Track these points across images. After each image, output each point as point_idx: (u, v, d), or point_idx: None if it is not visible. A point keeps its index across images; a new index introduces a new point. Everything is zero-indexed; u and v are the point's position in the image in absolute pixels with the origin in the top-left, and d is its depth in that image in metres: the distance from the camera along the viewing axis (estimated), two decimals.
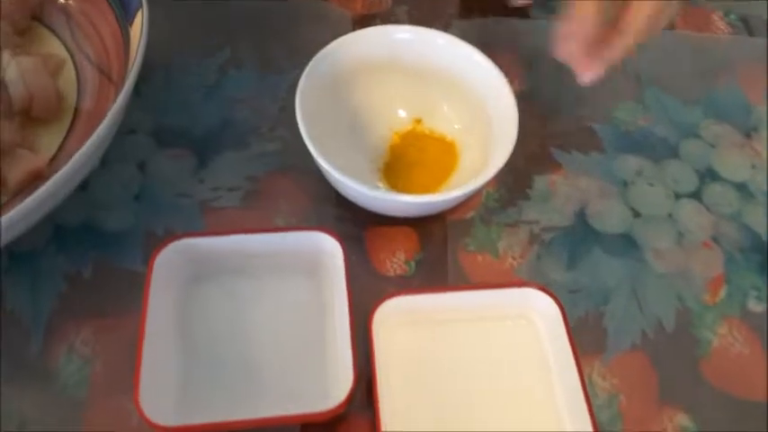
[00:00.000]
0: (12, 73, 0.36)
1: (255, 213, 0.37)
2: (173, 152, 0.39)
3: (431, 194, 0.32)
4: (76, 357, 0.32)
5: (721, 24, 0.48)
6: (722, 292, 0.36)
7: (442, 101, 0.39)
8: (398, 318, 0.31)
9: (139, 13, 0.36)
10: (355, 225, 0.37)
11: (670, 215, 0.39)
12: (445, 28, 0.41)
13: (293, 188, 0.38)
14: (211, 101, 0.41)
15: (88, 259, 0.34)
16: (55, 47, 0.40)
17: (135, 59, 0.34)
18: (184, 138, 0.39)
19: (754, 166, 0.41)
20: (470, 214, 0.38)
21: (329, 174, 0.33)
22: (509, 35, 0.46)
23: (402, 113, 0.40)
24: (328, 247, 0.33)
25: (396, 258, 0.36)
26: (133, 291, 0.33)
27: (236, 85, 0.42)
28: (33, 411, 0.30)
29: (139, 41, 0.34)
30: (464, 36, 0.38)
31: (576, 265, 0.36)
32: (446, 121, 0.39)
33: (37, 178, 0.35)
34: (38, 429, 0.30)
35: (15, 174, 0.34)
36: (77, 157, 0.30)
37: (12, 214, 0.29)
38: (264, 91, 0.42)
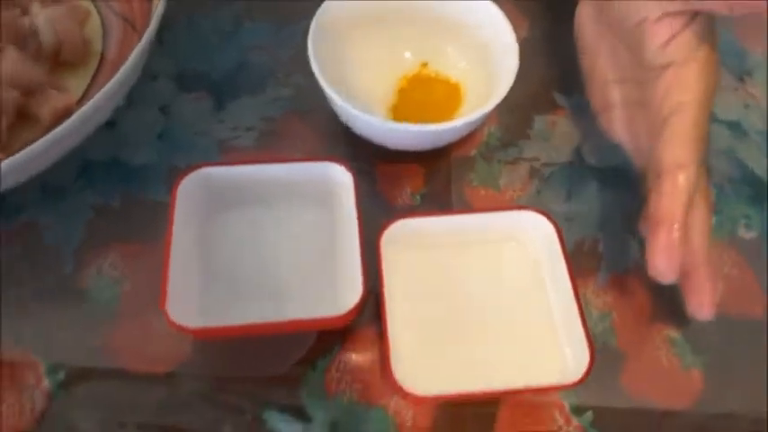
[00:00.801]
0: (42, 20, 0.39)
1: (270, 151, 0.39)
2: (192, 95, 0.41)
3: (437, 124, 0.34)
4: (106, 279, 0.34)
5: None
6: (713, 221, 0.38)
7: (447, 44, 0.41)
8: (405, 240, 0.33)
9: None
10: (365, 162, 0.39)
11: None
12: None
13: (307, 129, 0.40)
14: (229, 48, 0.43)
15: (115, 191, 0.37)
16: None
17: (157, 8, 0.36)
18: (203, 82, 0.41)
19: (747, 106, 0.42)
20: (473, 152, 0.40)
21: (342, 108, 0.35)
22: None
23: (408, 56, 0.42)
24: (339, 176, 0.35)
25: (403, 192, 0.38)
26: (157, 219, 0.35)
27: (252, 34, 0.44)
28: (66, 327, 0.33)
29: None
30: None
31: (574, 196, 0.38)
32: (451, 64, 0.41)
33: (67, 115, 0.37)
34: (71, 344, 0.32)
35: (47, 110, 0.36)
36: (102, 93, 0.33)
37: (40, 143, 0.31)
38: (280, 40, 0.44)
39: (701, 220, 0.32)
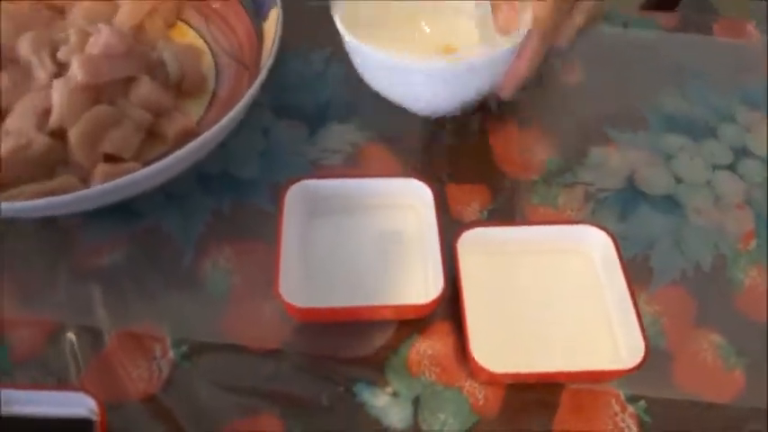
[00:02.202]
0: (168, 54, 0.46)
1: (355, 171, 0.45)
2: (289, 122, 0.48)
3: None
4: (220, 270, 0.40)
5: (755, 32, 0.55)
6: (752, 244, 0.42)
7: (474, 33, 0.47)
8: (478, 245, 0.38)
9: (274, 11, 0.45)
10: (437, 182, 0.44)
11: (708, 182, 0.45)
12: None
13: (386, 153, 0.46)
14: (319, 84, 0.50)
15: (226, 199, 0.43)
16: (196, 40, 0.50)
17: (271, 53, 0.42)
18: (298, 111, 0.48)
19: None
20: (534, 176, 0.45)
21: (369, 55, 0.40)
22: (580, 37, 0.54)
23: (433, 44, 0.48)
24: (419, 190, 0.40)
25: (471, 208, 0.43)
26: (261, 223, 0.42)
27: (338, 73, 0.51)
28: (188, 309, 0.38)
29: (275, 38, 0.43)
30: None
31: (626, 218, 0.43)
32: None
33: (188, 135, 0.44)
34: (192, 323, 0.38)
35: (172, 131, 0.43)
36: (220, 126, 0.39)
37: (169, 159, 0.37)
38: (362, 80, 0.50)
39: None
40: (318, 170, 0.45)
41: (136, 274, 0.40)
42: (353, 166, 0.45)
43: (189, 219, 0.42)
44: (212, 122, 0.43)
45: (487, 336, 0.35)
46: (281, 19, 0.44)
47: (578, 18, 0.41)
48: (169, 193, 0.43)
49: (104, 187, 0.36)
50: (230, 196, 0.43)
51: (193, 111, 0.46)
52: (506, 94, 0.42)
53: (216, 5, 0.50)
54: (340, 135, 0.47)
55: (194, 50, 0.48)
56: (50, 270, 0.39)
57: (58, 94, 0.40)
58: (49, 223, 0.41)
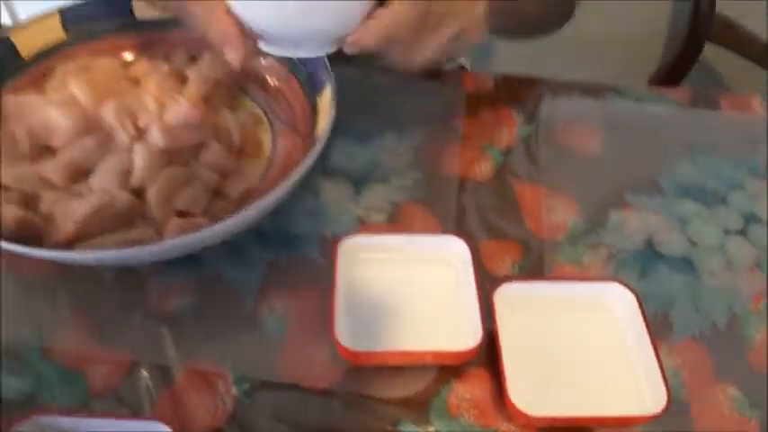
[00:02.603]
0: (231, 121, 0.51)
1: (397, 227, 0.50)
2: (336, 183, 0.53)
3: None
4: (276, 315, 0.44)
5: (760, 107, 0.60)
6: (763, 304, 0.46)
7: None
8: (511, 299, 0.42)
9: (328, 89, 0.50)
10: (471, 239, 0.48)
11: (721, 246, 0.49)
12: None
13: (424, 212, 0.51)
14: (363, 147, 0.55)
15: (281, 251, 0.48)
16: (255, 109, 0.56)
17: (326, 127, 0.47)
18: (344, 172, 0.53)
19: None
20: (561, 237, 0.49)
21: None
22: (592, 110, 0.59)
23: None
24: (457, 247, 0.45)
25: (503, 264, 0.47)
26: (312, 273, 0.46)
27: (379, 138, 0.56)
28: (249, 349, 0.42)
29: (329, 111, 0.48)
30: None
31: (646, 277, 0.47)
32: None
33: (249, 195, 0.49)
34: (253, 362, 0.42)
35: (236, 191, 0.48)
36: (276, 192, 0.43)
37: (236, 218, 0.42)
38: (400, 143, 0.56)
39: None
40: (364, 226, 0.50)
41: (201, 317, 0.44)
42: (395, 222, 0.50)
43: (248, 268, 0.47)
44: (270, 183, 0.48)
45: (523, 381, 0.39)
46: (335, 97, 0.49)
47: (444, 36, 0.44)
48: (230, 245, 0.48)
49: (177, 241, 0.41)
50: (284, 249, 0.48)
51: (253, 172, 0.51)
52: (348, 49, 0.44)
53: (274, 81, 0.56)
54: (382, 195, 0.52)
55: (253, 118, 0.54)
56: (126, 312, 0.44)
57: (140, 157, 0.45)
58: (125, 269, 0.46)
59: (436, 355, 0.40)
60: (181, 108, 0.47)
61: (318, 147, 0.46)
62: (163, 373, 0.41)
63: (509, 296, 0.42)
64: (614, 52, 1.23)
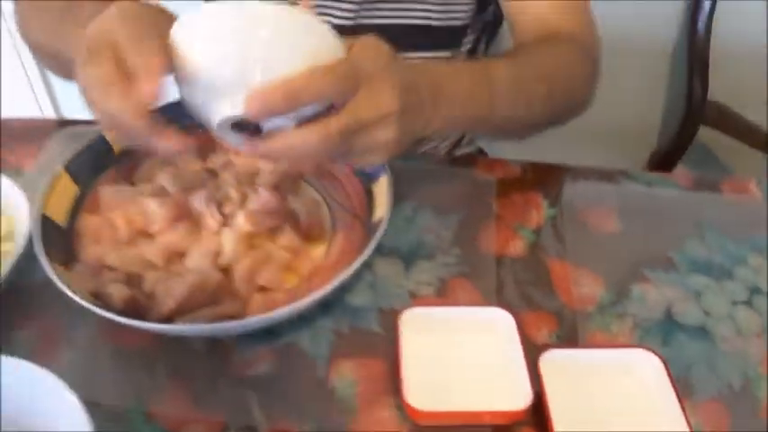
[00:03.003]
0: (299, 206, 0.59)
1: (444, 300, 0.56)
2: (387, 260, 0.59)
3: None
4: (345, 380, 0.50)
5: (756, 189, 0.68)
6: None
7: None
8: (554, 364, 0.49)
9: (384, 178, 0.58)
10: (511, 310, 0.55)
11: (730, 315, 0.56)
12: None
13: (468, 286, 0.58)
14: (409, 228, 0.62)
15: (346, 322, 0.54)
16: (314, 194, 0.63)
17: (386, 216, 0.54)
18: (395, 251, 0.60)
19: None
20: (591, 308, 0.56)
21: None
22: (608, 193, 0.67)
23: None
24: (502, 317, 0.51)
25: (541, 332, 0.54)
26: (374, 341, 0.52)
27: (424, 220, 0.63)
28: (321, 413, 0.48)
29: (387, 200, 0.56)
30: None
31: (668, 344, 0.53)
32: None
33: (317, 272, 0.56)
34: (326, 426, 0.47)
35: (305, 267, 0.55)
36: (350, 270, 0.50)
37: (311, 297, 0.48)
38: (442, 224, 0.63)
39: None
40: (416, 299, 0.56)
41: (281, 382, 0.50)
42: (442, 295, 0.57)
43: (318, 338, 0.53)
44: (334, 262, 0.56)
45: None
46: (391, 187, 0.57)
47: (381, 137, 0.45)
48: (300, 317, 0.54)
49: (262, 318, 0.47)
50: (348, 320, 0.54)
51: (317, 251, 0.58)
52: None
53: (330, 169, 0.64)
54: (429, 271, 0.59)
55: (313, 202, 0.61)
56: (216, 378, 0.50)
57: (228, 240, 0.52)
58: (212, 339, 0.52)
59: (493, 414, 0.46)
60: (262, 196, 0.55)
61: (380, 233, 0.53)
62: None
63: (552, 361, 0.48)
64: (610, 139, 1.32)
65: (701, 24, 1.10)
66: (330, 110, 0.44)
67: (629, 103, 1.27)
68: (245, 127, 0.44)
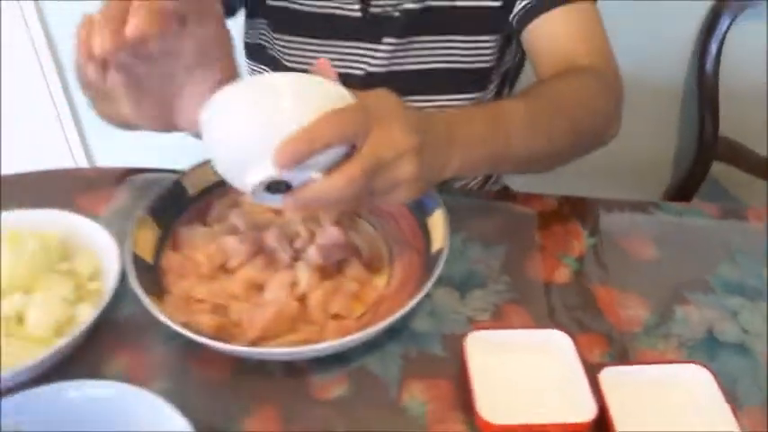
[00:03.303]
0: (360, 241, 0.63)
1: (501, 324, 0.60)
2: (444, 288, 0.64)
3: None
4: (416, 401, 0.54)
5: None
6: None
7: None
8: (613, 380, 0.52)
9: (438, 211, 0.63)
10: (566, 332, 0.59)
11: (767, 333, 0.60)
12: None
13: (520, 310, 0.62)
14: (459, 262, 0.67)
15: (413, 346, 0.58)
16: (370, 229, 0.68)
17: (445, 249, 0.59)
18: (450, 280, 0.64)
19: None
20: (637, 329, 0.60)
21: None
22: (642, 222, 0.72)
23: None
24: (559, 339, 0.55)
25: (594, 352, 0.58)
26: (439, 364, 0.56)
27: (473, 250, 0.68)
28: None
29: (445, 234, 0.60)
30: None
31: (712, 360, 0.57)
32: None
33: (381, 301, 0.60)
34: None
35: (370, 297, 0.59)
36: (414, 301, 0.55)
37: (380, 325, 0.52)
38: (490, 255, 0.68)
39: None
40: (474, 324, 0.60)
41: (356, 404, 0.53)
42: (497, 320, 0.61)
43: (386, 362, 0.57)
44: (394, 290, 0.60)
45: None
46: (447, 220, 0.61)
47: (402, 174, 0.49)
48: (369, 343, 0.58)
49: (339, 342, 0.51)
50: (414, 344, 0.58)
51: (379, 282, 0.62)
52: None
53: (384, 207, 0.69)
54: (482, 298, 0.63)
55: (373, 237, 0.66)
56: (295, 401, 0.53)
57: (302, 273, 0.57)
58: (289, 366, 0.56)
59: (560, 427, 0.49)
60: (329, 232, 0.60)
61: (441, 263, 0.57)
62: None
63: (610, 377, 0.52)
64: (624, 175, 1.37)
65: (708, 66, 1.17)
66: (350, 157, 0.49)
67: (642, 141, 1.33)
68: (278, 188, 0.50)
